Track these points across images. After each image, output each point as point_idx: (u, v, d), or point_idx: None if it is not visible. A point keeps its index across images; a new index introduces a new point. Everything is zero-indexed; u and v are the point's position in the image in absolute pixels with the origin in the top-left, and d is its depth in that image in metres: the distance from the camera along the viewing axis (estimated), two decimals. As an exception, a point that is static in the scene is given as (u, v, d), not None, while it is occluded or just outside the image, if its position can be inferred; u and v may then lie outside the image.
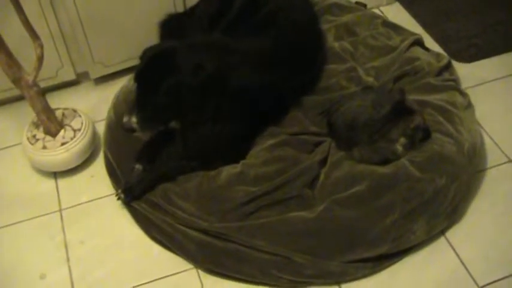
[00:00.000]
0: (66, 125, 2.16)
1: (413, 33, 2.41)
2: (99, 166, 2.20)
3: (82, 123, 2.16)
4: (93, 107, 2.40)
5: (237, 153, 1.98)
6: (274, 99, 2.00)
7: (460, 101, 2.11)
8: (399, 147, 1.85)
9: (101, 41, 2.38)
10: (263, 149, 1.97)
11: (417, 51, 2.32)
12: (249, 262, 1.79)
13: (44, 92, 2.12)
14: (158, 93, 1.79)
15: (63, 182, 2.16)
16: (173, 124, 1.94)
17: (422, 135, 1.89)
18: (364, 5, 2.55)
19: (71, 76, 2.46)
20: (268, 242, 1.78)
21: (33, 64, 1.92)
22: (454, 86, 2.19)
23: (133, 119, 1.81)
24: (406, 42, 2.32)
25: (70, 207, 2.08)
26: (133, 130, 1.83)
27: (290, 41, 2.07)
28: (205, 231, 1.85)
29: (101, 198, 2.10)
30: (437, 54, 2.37)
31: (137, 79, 1.84)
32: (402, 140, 1.85)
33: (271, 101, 1.98)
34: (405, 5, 2.79)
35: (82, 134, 2.13)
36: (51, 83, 2.42)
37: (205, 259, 1.84)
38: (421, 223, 1.80)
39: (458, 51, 2.52)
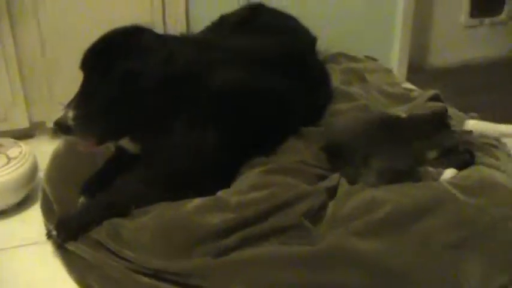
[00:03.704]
0: (1, 153, 1.68)
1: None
2: (35, 212, 1.66)
3: (20, 153, 1.68)
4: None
5: (217, 178, 1.47)
6: (267, 115, 1.55)
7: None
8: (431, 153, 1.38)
9: (65, 77, 2.00)
10: (250, 176, 1.48)
11: (439, 104, 1.93)
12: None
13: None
14: (109, 80, 1.35)
15: (-19, 224, 1.63)
16: (130, 146, 1.48)
17: (466, 159, 1.43)
18: (375, 60, 2.23)
19: (24, 123, 2.04)
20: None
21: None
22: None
23: (70, 114, 1.33)
24: (426, 94, 1.95)
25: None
26: (67, 130, 1.33)
27: (284, 46, 1.70)
28: (161, 275, 1.28)
29: (27, 245, 1.54)
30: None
31: (84, 61, 1.40)
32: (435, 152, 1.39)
33: (262, 115, 1.54)
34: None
35: (18, 163, 1.65)
36: (-2, 128, 2.00)
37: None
38: (474, 264, 1.24)
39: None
